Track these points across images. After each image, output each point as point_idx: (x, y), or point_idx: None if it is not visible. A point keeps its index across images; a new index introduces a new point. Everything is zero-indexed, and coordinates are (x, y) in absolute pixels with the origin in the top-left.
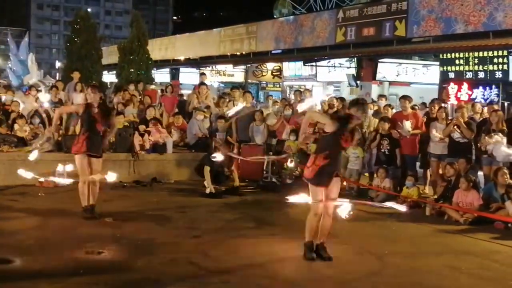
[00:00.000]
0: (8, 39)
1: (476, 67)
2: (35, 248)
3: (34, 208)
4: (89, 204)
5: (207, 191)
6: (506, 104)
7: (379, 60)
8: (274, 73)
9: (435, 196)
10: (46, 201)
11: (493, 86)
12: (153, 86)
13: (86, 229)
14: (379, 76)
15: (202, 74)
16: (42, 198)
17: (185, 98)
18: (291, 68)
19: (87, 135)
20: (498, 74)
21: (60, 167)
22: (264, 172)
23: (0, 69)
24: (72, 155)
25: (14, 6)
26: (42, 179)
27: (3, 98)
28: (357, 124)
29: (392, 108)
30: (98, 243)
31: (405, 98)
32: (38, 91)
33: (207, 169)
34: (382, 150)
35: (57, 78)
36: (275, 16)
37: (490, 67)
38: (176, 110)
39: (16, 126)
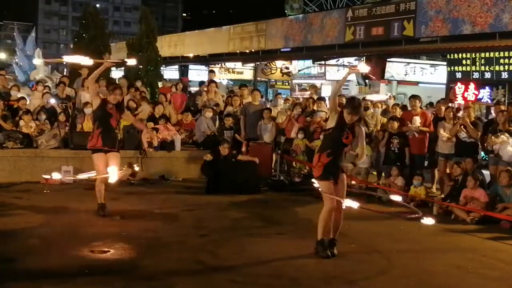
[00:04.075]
0: (14, 33)
1: (482, 68)
2: (39, 246)
3: (39, 206)
4: (104, 202)
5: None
6: None
7: (388, 60)
8: (283, 71)
9: (442, 195)
10: (51, 199)
11: (500, 87)
12: (160, 83)
13: (92, 227)
14: (387, 75)
15: (211, 71)
16: (47, 195)
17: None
18: (300, 66)
19: (101, 129)
20: (504, 75)
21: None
22: (273, 171)
23: (6, 64)
24: (79, 152)
25: (21, 0)
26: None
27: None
28: (358, 121)
29: (400, 107)
30: (104, 242)
31: (414, 97)
32: (45, 86)
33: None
34: (392, 149)
35: (65, 73)
36: (286, 11)
37: (497, 68)
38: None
39: (21, 122)
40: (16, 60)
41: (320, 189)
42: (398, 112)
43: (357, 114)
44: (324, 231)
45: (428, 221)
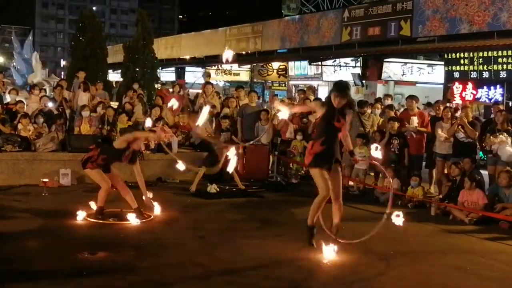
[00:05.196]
0: (12, 37)
1: (480, 67)
2: (38, 248)
3: (38, 209)
4: (102, 206)
5: (208, 189)
6: (510, 103)
7: (385, 60)
8: (279, 73)
9: (440, 196)
10: (49, 202)
11: (498, 86)
12: (157, 85)
13: (90, 230)
14: (384, 76)
15: (207, 74)
16: (46, 198)
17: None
18: (296, 67)
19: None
20: (503, 74)
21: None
22: (270, 172)
23: (4, 68)
24: (77, 155)
25: (19, 4)
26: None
27: (8, 97)
28: (347, 105)
29: (394, 110)
30: (102, 244)
31: (412, 98)
32: (42, 90)
33: (202, 169)
34: (393, 150)
35: (62, 76)
36: (282, 11)
37: (495, 67)
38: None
39: (19, 126)
40: (14, 63)
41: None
42: (390, 114)
43: (344, 97)
44: (314, 214)
45: (398, 220)
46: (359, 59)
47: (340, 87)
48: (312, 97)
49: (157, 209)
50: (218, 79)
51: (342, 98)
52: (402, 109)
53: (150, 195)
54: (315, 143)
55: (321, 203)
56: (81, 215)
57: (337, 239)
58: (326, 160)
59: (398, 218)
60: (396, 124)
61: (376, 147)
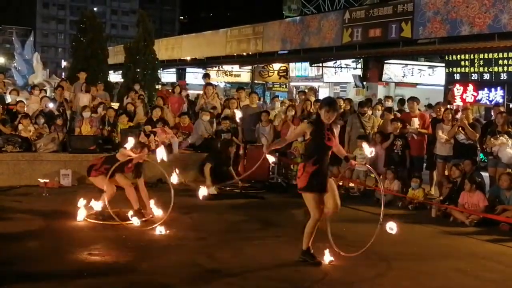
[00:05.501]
0: (13, 38)
1: (481, 69)
2: (38, 249)
3: (38, 209)
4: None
5: (209, 191)
6: (511, 105)
7: (385, 61)
8: (280, 74)
9: (441, 198)
10: (50, 202)
11: (498, 88)
12: (158, 86)
13: (91, 231)
14: (385, 77)
15: (206, 75)
16: (46, 199)
17: (190, 98)
18: (297, 68)
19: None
20: (503, 76)
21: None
22: (270, 173)
23: (5, 69)
24: (77, 155)
25: (19, 4)
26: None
27: (9, 98)
28: (336, 118)
29: (392, 113)
30: (102, 245)
31: (413, 99)
32: (42, 90)
33: (207, 166)
34: (396, 151)
35: (63, 77)
36: (284, 12)
37: (495, 69)
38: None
39: (20, 126)
40: (15, 64)
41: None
42: (389, 117)
43: (334, 111)
44: (308, 240)
45: (392, 231)
46: (360, 61)
47: (329, 102)
48: (313, 99)
49: (158, 212)
50: (219, 80)
51: (333, 113)
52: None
53: (152, 202)
54: (307, 163)
55: (315, 226)
56: (81, 215)
57: (340, 252)
58: (320, 180)
59: (391, 230)
60: (399, 125)
61: (371, 151)
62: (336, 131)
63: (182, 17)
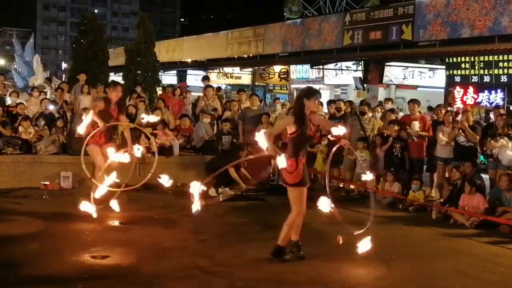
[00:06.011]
0: (13, 39)
1: (481, 71)
2: (39, 252)
3: (38, 211)
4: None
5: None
6: (511, 107)
7: (386, 64)
8: (281, 76)
9: (441, 200)
10: (50, 204)
11: (499, 90)
12: (159, 89)
13: (91, 233)
14: (385, 80)
15: (206, 77)
16: (46, 201)
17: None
18: (298, 70)
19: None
20: (504, 78)
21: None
22: (271, 175)
23: (5, 70)
24: (78, 157)
25: (20, 6)
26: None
27: (9, 100)
28: (313, 112)
29: (395, 114)
30: (103, 247)
31: (413, 101)
32: (42, 92)
33: (232, 170)
34: (395, 153)
35: (63, 79)
36: (284, 14)
37: (496, 71)
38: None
39: (20, 128)
40: (15, 66)
41: (291, 195)
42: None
43: (320, 96)
44: (287, 238)
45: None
46: (360, 63)
47: (316, 91)
48: None
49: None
50: (220, 82)
51: (319, 99)
52: (401, 113)
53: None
54: (297, 159)
55: (299, 220)
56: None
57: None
58: (307, 173)
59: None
60: (396, 128)
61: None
62: (314, 119)
63: (182, 19)
